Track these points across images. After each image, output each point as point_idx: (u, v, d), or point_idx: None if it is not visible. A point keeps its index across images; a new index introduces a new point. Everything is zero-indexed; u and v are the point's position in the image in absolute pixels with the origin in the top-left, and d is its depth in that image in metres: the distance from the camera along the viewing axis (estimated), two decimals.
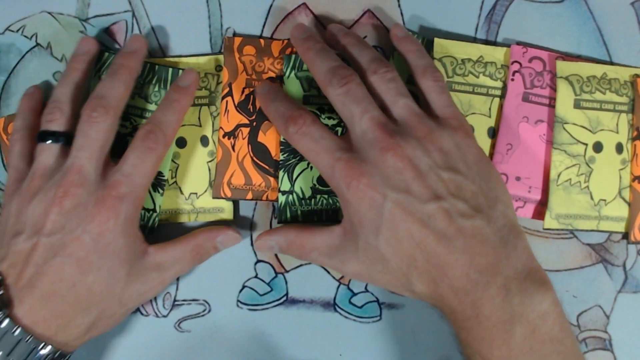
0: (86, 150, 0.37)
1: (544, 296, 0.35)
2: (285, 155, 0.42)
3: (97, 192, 0.37)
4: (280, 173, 0.42)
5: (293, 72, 0.43)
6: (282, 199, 0.42)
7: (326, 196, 0.43)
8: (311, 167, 0.43)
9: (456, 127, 0.38)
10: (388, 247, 0.36)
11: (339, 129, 0.43)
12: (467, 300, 0.35)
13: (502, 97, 0.44)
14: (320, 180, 0.43)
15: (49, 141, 0.39)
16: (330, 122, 0.43)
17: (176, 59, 0.44)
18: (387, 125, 0.37)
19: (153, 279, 0.39)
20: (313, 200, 0.43)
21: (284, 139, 0.42)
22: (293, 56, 0.43)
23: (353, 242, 0.37)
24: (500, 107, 0.44)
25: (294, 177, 0.42)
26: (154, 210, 0.43)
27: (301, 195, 0.43)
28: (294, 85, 0.43)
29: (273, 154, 0.43)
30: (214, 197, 0.43)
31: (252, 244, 0.44)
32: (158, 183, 0.43)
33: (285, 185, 0.42)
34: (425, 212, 0.35)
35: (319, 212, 0.43)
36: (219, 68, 0.44)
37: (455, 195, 0.36)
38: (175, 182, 0.44)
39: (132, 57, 0.41)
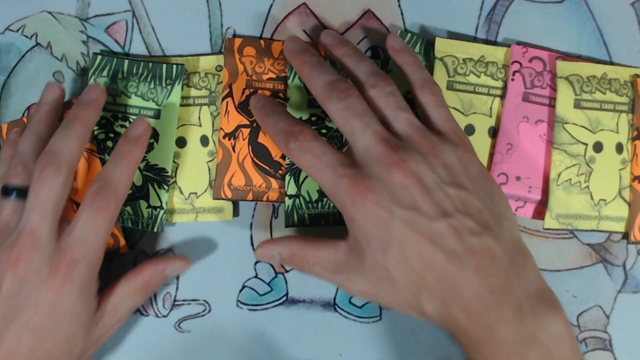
0: (38, 211, 0.36)
1: (556, 318, 0.33)
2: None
3: (52, 256, 0.36)
4: (287, 177, 0.42)
5: (297, 76, 0.43)
6: (289, 202, 0.42)
7: None
8: None
9: (457, 142, 0.37)
10: (397, 266, 0.34)
11: None
12: (481, 322, 0.33)
13: (503, 97, 0.44)
14: None
15: (12, 196, 0.38)
16: (335, 125, 0.43)
17: (176, 59, 0.44)
18: (391, 140, 0.36)
19: (109, 323, 0.39)
20: (320, 203, 0.43)
21: None
22: None
23: (359, 260, 0.36)
24: (501, 107, 0.44)
25: (300, 180, 0.42)
26: (161, 207, 0.43)
27: (308, 199, 0.43)
28: (298, 89, 0.43)
29: (273, 154, 0.43)
30: (214, 198, 0.43)
31: (252, 244, 0.44)
32: (162, 179, 0.43)
33: (292, 189, 0.42)
34: (435, 230, 0.34)
35: (326, 215, 0.43)
36: (219, 68, 0.44)
37: (462, 211, 0.34)
38: (175, 181, 0.44)
39: (89, 107, 0.39)
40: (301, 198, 0.43)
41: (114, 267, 0.44)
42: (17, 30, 0.45)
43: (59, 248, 0.36)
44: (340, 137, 0.43)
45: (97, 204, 0.37)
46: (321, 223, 0.43)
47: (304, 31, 0.45)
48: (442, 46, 0.43)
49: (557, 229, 0.43)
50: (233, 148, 0.43)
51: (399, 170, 0.34)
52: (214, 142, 0.44)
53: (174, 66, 0.43)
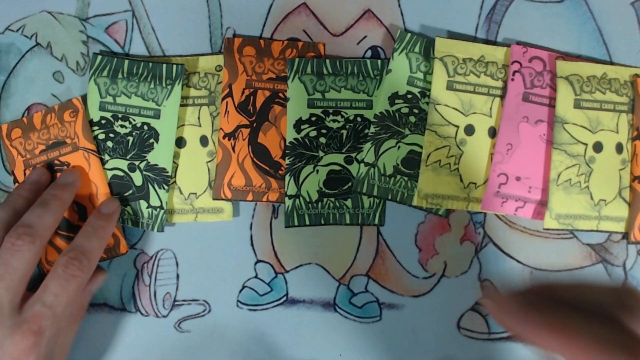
0: (5, 280, 0.36)
1: None
2: (291, 159, 0.42)
3: (14, 326, 0.36)
4: (287, 177, 0.42)
5: (297, 76, 0.43)
6: (289, 202, 0.42)
7: (333, 199, 0.43)
8: (317, 171, 0.43)
9: None
10: None
11: (344, 132, 0.43)
12: None
13: (503, 97, 0.44)
14: (327, 183, 0.43)
15: None
16: (335, 125, 0.43)
17: (176, 59, 0.44)
18: None
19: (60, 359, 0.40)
20: (320, 203, 0.43)
21: (289, 142, 0.42)
22: (296, 60, 0.43)
23: None
24: (501, 107, 0.44)
25: (300, 181, 0.42)
26: (161, 207, 0.43)
27: (308, 199, 0.43)
28: (298, 89, 0.43)
29: (273, 155, 0.43)
30: (214, 199, 0.43)
31: (252, 244, 0.44)
32: (162, 179, 0.43)
33: (292, 189, 0.42)
34: None
35: (326, 216, 0.43)
36: (219, 68, 0.44)
37: None
38: (175, 182, 0.44)
39: (66, 189, 0.41)
40: (301, 198, 0.43)
41: (113, 267, 0.44)
42: (17, 30, 0.45)
43: (25, 317, 0.36)
44: (340, 137, 0.43)
45: (69, 272, 0.37)
46: (321, 223, 0.43)
47: (304, 31, 0.45)
48: (442, 46, 0.43)
49: (557, 229, 0.43)
50: (233, 148, 0.43)
51: None
52: (214, 142, 0.44)
53: (174, 66, 0.43)
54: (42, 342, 0.36)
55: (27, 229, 0.37)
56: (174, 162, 0.43)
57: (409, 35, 0.44)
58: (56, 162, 0.43)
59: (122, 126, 0.43)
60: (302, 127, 0.43)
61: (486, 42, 0.45)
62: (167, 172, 0.43)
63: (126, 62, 0.43)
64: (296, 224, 0.43)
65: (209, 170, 0.44)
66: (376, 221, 0.43)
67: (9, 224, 0.39)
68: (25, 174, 0.43)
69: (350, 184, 0.43)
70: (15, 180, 0.43)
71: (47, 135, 0.43)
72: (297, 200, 0.43)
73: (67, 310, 0.37)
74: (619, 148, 0.44)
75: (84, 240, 0.39)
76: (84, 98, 0.43)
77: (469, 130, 0.43)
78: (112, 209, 0.42)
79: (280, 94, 0.43)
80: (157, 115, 0.43)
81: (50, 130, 0.43)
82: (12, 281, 0.36)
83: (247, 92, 0.43)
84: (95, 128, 0.43)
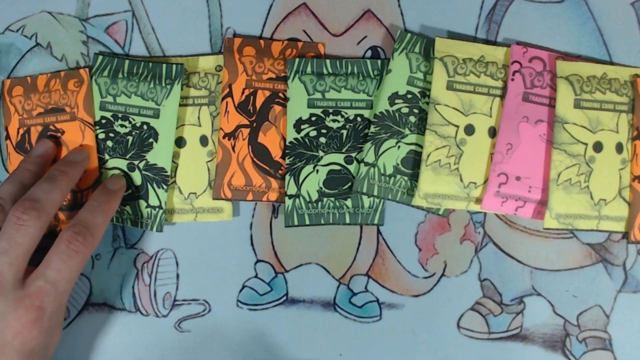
0: (9, 255, 0.36)
1: None
2: (291, 159, 0.42)
3: (17, 300, 0.35)
4: (287, 177, 0.42)
5: (297, 76, 0.43)
6: (288, 202, 0.42)
7: (333, 199, 0.43)
8: (317, 171, 0.43)
9: None
10: None
11: (344, 132, 0.43)
12: None
13: (503, 97, 0.44)
14: (327, 183, 0.43)
15: None
16: (335, 125, 0.43)
17: (176, 59, 0.44)
18: None
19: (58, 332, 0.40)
20: (320, 203, 0.43)
21: (289, 142, 0.42)
22: (296, 60, 0.43)
23: None
24: (501, 107, 0.44)
25: (300, 180, 0.42)
26: (160, 206, 0.43)
27: (308, 199, 0.43)
28: (298, 89, 0.43)
29: (273, 155, 0.43)
30: (214, 199, 0.43)
31: (252, 244, 0.44)
32: (161, 179, 0.43)
33: (292, 189, 0.42)
34: None
35: (326, 216, 0.43)
36: (218, 68, 0.44)
37: None
38: (175, 181, 0.44)
39: (74, 166, 0.40)
40: (301, 198, 0.43)
41: (113, 267, 0.44)
42: (17, 30, 0.45)
43: (28, 292, 0.36)
44: (340, 137, 0.43)
45: (73, 247, 0.37)
46: (321, 223, 0.43)
47: (304, 31, 0.45)
48: (442, 46, 0.43)
49: (557, 229, 0.43)
50: (233, 148, 0.43)
51: None
52: (214, 142, 0.44)
53: (174, 66, 0.43)
54: (45, 317, 0.36)
55: (33, 204, 0.37)
56: (174, 161, 0.43)
57: (409, 35, 0.44)
58: (51, 127, 0.43)
59: (122, 126, 0.43)
60: (302, 127, 0.43)
61: (486, 42, 0.45)
62: (166, 172, 0.43)
63: (127, 62, 0.43)
64: (296, 223, 0.43)
65: (209, 170, 0.44)
66: (376, 221, 0.43)
67: (15, 197, 0.39)
68: (18, 132, 0.43)
69: (350, 183, 0.43)
70: (7, 137, 0.43)
71: (47, 99, 0.43)
72: (297, 200, 0.43)
73: (69, 286, 0.37)
74: (619, 148, 0.44)
75: (88, 215, 0.38)
76: (91, 69, 0.43)
77: (469, 130, 0.43)
78: (118, 186, 0.42)
79: (280, 94, 0.43)
80: (156, 115, 0.43)
81: (52, 95, 0.43)
82: (16, 256, 0.36)
83: (247, 92, 0.43)
84: (95, 127, 0.43)
